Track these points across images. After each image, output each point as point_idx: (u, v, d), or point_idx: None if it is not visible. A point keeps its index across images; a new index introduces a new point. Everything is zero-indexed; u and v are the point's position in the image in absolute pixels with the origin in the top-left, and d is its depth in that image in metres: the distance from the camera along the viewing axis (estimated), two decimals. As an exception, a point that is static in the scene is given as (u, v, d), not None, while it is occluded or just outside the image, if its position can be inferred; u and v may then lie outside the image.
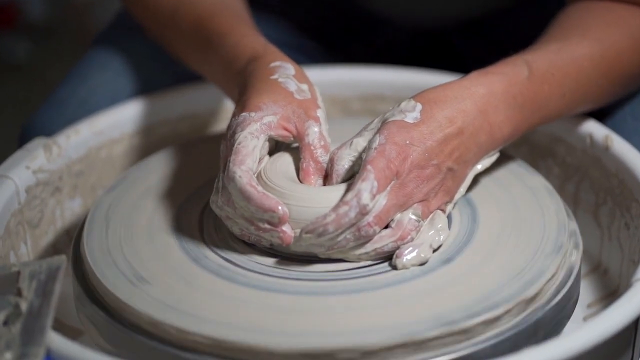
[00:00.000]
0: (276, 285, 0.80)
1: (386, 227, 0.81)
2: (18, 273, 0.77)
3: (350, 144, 0.85)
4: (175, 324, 0.76)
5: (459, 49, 1.26)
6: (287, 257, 0.83)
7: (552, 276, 0.81)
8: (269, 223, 0.80)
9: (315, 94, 0.89)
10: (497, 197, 0.89)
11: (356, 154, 0.84)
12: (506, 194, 0.90)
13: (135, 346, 0.78)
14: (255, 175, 0.83)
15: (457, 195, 0.86)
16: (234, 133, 0.84)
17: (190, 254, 0.84)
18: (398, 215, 0.82)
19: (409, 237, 0.81)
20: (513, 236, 0.85)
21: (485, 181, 0.91)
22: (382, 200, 0.80)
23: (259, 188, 0.80)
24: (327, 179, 0.85)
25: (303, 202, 0.82)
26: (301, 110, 0.86)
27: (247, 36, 0.96)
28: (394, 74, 1.15)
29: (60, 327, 0.93)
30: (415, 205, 0.82)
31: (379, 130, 0.83)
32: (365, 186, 0.78)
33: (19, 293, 0.76)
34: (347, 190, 0.81)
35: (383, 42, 1.26)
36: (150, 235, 0.86)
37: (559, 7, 1.00)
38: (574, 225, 0.88)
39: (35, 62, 2.48)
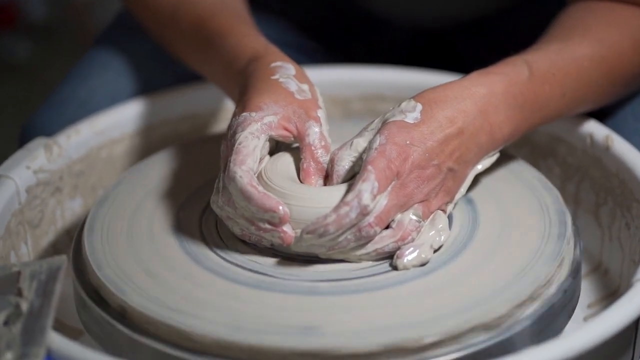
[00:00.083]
0: (276, 286, 0.80)
1: (387, 227, 0.81)
2: (19, 273, 0.77)
3: (351, 145, 0.85)
4: (175, 324, 0.76)
5: (459, 49, 1.26)
6: (288, 257, 0.83)
7: (553, 276, 0.81)
8: (270, 223, 0.80)
9: (315, 95, 0.89)
10: (497, 197, 0.89)
11: (357, 154, 0.84)
12: (507, 193, 0.90)
13: (136, 346, 0.78)
14: (256, 175, 0.83)
15: (458, 196, 0.86)
16: (235, 133, 0.84)
17: (190, 254, 0.84)
18: (399, 216, 0.81)
19: (410, 237, 0.81)
20: (514, 236, 0.84)
21: (485, 181, 0.91)
22: (382, 201, 0.80)
23: (260, 188, 0.80)
24: (327, 179, 0.85)
25: (303, 202, 0.82)
26: (302, 110, 0.86)
27: (248, 36, 0.96)
28: (394, 74, 1.15)
29: (61, 327, 0.93)
30: (415, 205, 0.82)
31: (379, 131, 0.82)
32: (366, 187, 0.78)
33: (19, 293, 0.76)
34: (348, 190, 0.81)
35: (383, 42, 1.26)
36: (151, 235, 0.86)
37: (559, 7, 1.00)
38: (574, 225, 0.88)
39: (35, 62, 2.48)
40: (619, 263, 0.97)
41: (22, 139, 1.09)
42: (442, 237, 0.83)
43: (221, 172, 0.84)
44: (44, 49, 2.53)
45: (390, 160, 0.80)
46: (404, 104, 0.84)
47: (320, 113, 0.87)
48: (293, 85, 0.87)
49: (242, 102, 0.87)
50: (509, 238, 0.84)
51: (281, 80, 0.87)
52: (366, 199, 0.78)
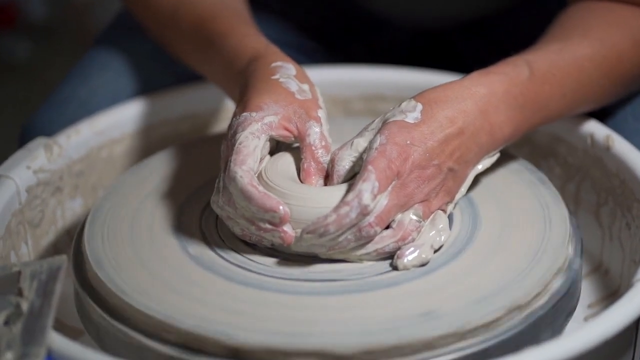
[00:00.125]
0: (277, 286, 0.80)
1: (387, 227, 0.81)
2: (19, 273, 0.77)
3: (351, 145, 0.85)
4: (175, 324, 0.76)
5: (459, 49, 1.26)
6: (288, 257, 0.83)
7: (553, 276, 0.81)
8: (270, 223, 0.80)
9: (316, 95, 0.89)
10: (498, 197, 0.89)
11: (357, 154, 0.84)
12: (507, 193, 0.90)
13: (136, 346, 0.78)
14: (256, 175, 0.83)
15: (458, 196, 0.86)
16: (235, 133, 0.84)
17: (190, 254, 0.84)
18: (399, 216, 0.81)
19: (410, 237, 0.81)
20: (514, 236, 0.84)
21: (486, 181, 0.91)
22: (383, 201, 0.80)
23: (260, 188, 0.80)
24: (328, 179, 0.85)
25: (304, 202, 0.82)
26: (302, 110, 0.86)
27: (248, 36, 0.96)
28: (394, 73, 1.15)
29: (61, 327, 0.93)
30: (416, 205, 0.82)
31: (379, 131, 0.82)
32: (367, 186, 0.78)
33: (19, 293, 0.76)
34: (348, 190, 0.81)
35: (383, 42, 1.26)
36: (151, 235, 0.86)
37: (559, 7, 1.00)
38: (575, 226, 0.88)
39: (35, 62, 2.48)
40: (620, 263, 0.97)
41: (22, 139, 1.09)
42: (443, 237, 0.83)
43: (221, 172, 0.84)
44: (44, 49, 2.53)
45: (391, 160, 0.80)
46: (404, 104, 0.84)
47: (321, 113, 0.87)
48: (294, 85, 0.87)
49: (243, 102, 0.87)
50: (509, 238, 0.84)
51: (282, 80, 0.87)
52: (366, 198, 0.78)
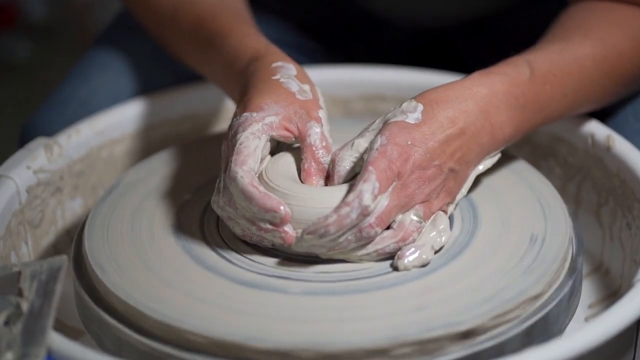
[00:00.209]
0: (277, 286, 0.80)
1: (388, 228, 0.81)
2: (19, 273, 0.77)
3: (352, 145, 0.84)
4: (176, 324, 0.76)
5: (459, 49, 1.26)
6: (289, 257, 0.83)
7: (554, 277, 0.81)
8: (271, 223, 0.80)
9: (317, 95, 0.89)
10: (498, 198, 0.89)
11: (357, 154, 0.84)
12: (508, 194, 0.90)
13: (136, 346, 0.78)
14: (257, 175, 0.83)
15: (459, 196, 0.86)
16: (236, 133, 0.84)
17: (191, 254, 0.84)
18: (400, 217, 0.81)
19: (411, 238, 0.81)
20: (514, 237, 0.84)
21: (486, 181, 0.91)
22: (383, 201, 0.80)
23: (261, 188, 0.80)
24: (328, 179, 0.85)
25: (304, 202, 0.82)
26: (303, 110, 0.86)
27: (249, 36, 0.96)
28: (394, 73, 1.15)
29: (61, 327, 0.93)
30: (416, 206, 0.82)
31: (380, 131, 0.82)
32: (367, 187, 0.78)
33: (20, 293, 0.76)
34: (349, 191, 0.81)
35: (383, 42, 1.26)
36: (151, 235, 0.86)
37: (559, 7, 1.00)
38: (575, 226, 0.88)
39: (35, 62, 2.48)
40: (620, 263, 0.97)
41: (22, 139, 1.09)
42: (443, 237, 0.83)
43: (222, 172, 0.84)
44: (44, 49, 2.53)
45: (392, 160, 0.80)
46: (405, 104, 0.84)
47: (322, 113, 0.87)
48: (294, 86, 0.87)
49: (243, 103, 0.87)
50: (509, 238, 0.84)
51: (282, 80, 0.87)
52: (367, 199, 0.78)
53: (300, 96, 0.87)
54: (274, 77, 0.88)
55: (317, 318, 0.77)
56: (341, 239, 0.79)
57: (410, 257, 0.81)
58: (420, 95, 0.85)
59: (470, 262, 0.82)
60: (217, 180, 0.85)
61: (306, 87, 0.88)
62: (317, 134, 0.85)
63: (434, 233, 0.82)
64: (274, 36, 1.07)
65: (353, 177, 0.84)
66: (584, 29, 0.94)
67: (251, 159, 0.82)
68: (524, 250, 0.83)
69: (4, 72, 2.44)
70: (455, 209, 0.87)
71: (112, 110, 1.08)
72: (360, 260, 0.82)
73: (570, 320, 0.84)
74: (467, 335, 0.76)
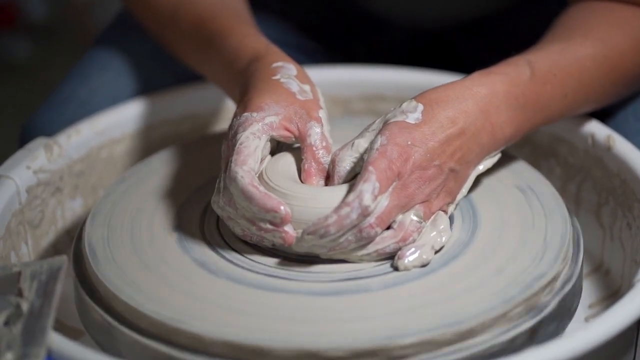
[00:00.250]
0: (277, 286, 0.80)
1: (388, 228, 0.81)
2: (19, 273, 0.77)
3: (352, 145, 0.84)
4: (176, 324, 0.76)
5: (460, 49, 1.26)
6: (289, 257, 0.83)
7: (554, 277, 0.81)
8: (271, 223, 0.80)
9: (317, 95, 0.89)
10: (498, 198, 0.89)
11: (358, 155, 0.84)
12: (508, 194, 0.90)
13: (136, 347, 0.78)
14: (257, 175, 0.83)
15: (459, 196, 0.86)
16: (236, 133, 0.84)
17: (191, 254, 0.84)
18: (400, 217, 0.81)
19: (411, 238, 0.81)
20: (515, 237, 0.84)
21: (486, 181, 0.91)
22: (383, 202, 0.79)
23: (261, 188, 0.80)
24: (328, 179, 0.85)
25: (305, 202, 0.82)
26: (303, 111, 0.86)
27: (249, 36, 0.96)
28: (394, 73, 1.15)
29: (61, 327, 0.93)
30: (417, 206, 0.82)
31: (380, 131, 0.82)
32: (367, 187, 0.78)
33: (20, 293, 0.76)
34: (349, 191, 0.81)
35: (383, 42, 1.26)
36: (151, 235, 0.86)
37: (559, 7, 1.00)
38: (575, 226, 0.88)
39: (35, 62, 2.48)
40: (620, 263, 0.97)
41: (22, 139, 1.09)
42: (444, 238, 0.83)
43: (222, 172, 0.84)
44: (44, 49, 2.53)
45: (392, 160, 0.80)
46: (405, 105, 0.84)
47: (322, 113, 0.87)
48: (294, 86, 0.87)
49: (243, 103, 0.87)
50: (509, 238, 0.84)
51: (282, 80, 0.87)
52: (367, 199, 0.78)
53: (300, 96, 0.87)
54: (274, 77, 0.88)
55: (317, 318, 0.77)
56: (341, 239, 0.79)
57: (410, 257, 0.81)
58: (420, 95, 0.85)
59: (470, 262, 0.82)
60: (217, 180, 0.85)
61: (306, 87, 0.88)
62: (318, 134, 0.85)
63: (434, 233, 0.82)
64: (274, 36, 1.07)
65: (353, 177, 0.84)
66: (585, 29, 0.94)
67: (251, 159, 0.82)
68: (523, 251, 0.83)
69: (4, 72, 2.44)
70: (455, 209, 0.87)
71: (112, 110, 1.08)
72: (360, 260, 0.82)
73: (570, 321, 0.83)
74: (467, 335, 0.76)
